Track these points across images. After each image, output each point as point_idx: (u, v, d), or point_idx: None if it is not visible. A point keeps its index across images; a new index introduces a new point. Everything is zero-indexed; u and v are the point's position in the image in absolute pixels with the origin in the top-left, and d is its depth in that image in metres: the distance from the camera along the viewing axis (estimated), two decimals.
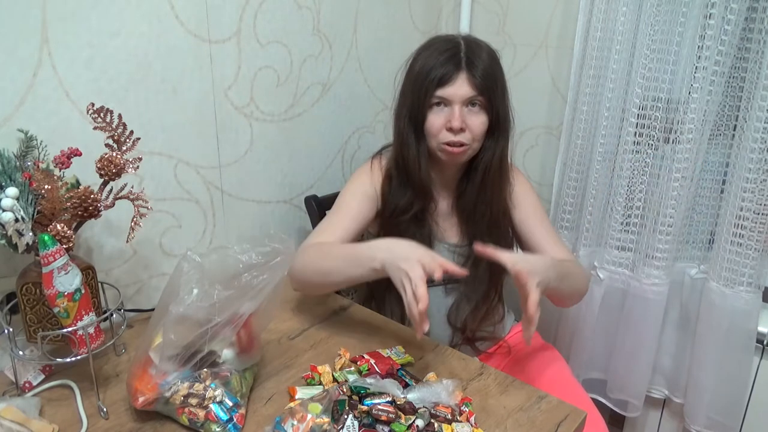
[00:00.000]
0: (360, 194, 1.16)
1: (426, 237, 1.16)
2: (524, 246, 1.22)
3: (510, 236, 1.21)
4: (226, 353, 0.85)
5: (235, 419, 0.80)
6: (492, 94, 1.07)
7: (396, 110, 1.14)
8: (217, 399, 0.79)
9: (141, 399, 0.80)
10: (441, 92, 1.06)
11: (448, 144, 1.08)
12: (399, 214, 1.14)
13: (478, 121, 1.07)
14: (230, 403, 0.80)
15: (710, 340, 1.30)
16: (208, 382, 0.80)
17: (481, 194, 1.15)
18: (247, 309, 0.82)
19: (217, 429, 0.79)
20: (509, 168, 1.18)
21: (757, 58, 1.15)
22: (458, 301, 1.21)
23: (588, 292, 1.42)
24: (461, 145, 1.08)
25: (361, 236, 1.20)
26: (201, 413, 0.79)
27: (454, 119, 1.05)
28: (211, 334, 0.80)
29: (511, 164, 1.19)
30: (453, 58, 1.06)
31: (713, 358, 1.30)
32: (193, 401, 0.79)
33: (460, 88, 1.05)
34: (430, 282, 1.20)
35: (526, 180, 1.26)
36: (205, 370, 0.82)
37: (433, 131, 1.09)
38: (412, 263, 0.90)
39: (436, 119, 1.08)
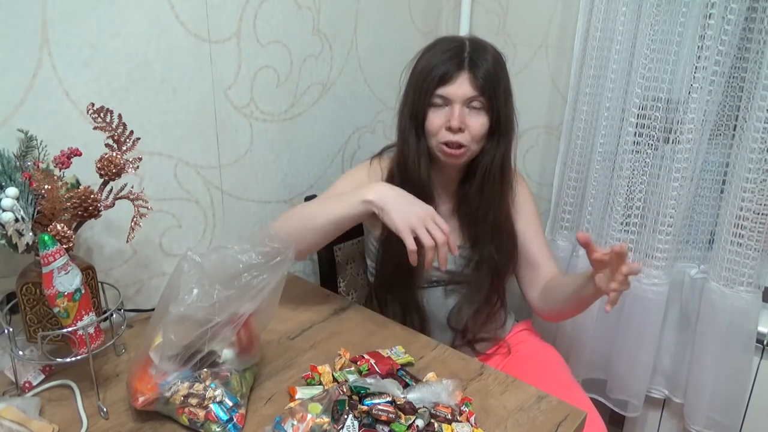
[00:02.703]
0: (355, 184, 1.15)
1: None
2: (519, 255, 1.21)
3: (514, 239, 1.21)
4: (226, 353, 0.85)
5: (235, 419, 0.80)
6: (493, 95, 1.06)
7: (399, 108, 1.14)
8: (217, 399, 0.79)
9: (141, 399, 0.80)
10: (442, 91, 1.06)
11: (447, 144, 1.08)
12: None
13: (478, 123, 1.07)
14: (230, 403, 0.80)
15: (710, 340, 1.30)
16: (208, 382, 0.80)
17: (482, 198, 1.14)
18: (247, 309, 0.82)
19: (217, 429, 0.79)
20: (512, 173, 1.18)
21: (757, 58, 1.15)
22: (459, 304, 1.21)
23: None
24: (460, 146, 1.07)
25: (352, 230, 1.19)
26: (201, 413, 0.79)
27: (453, 119, 1.05)
28: (211, 334, 0.80)
29: (515, 169, 1.19)
30: (456, 58, 1.05)
31: (713, 358, 1.30)
32: (193, 401, 0.79)
33: (460, 87, 1.05)
34: (430, 283, 1.21)
35: (527, 187, 1.27)
36: (205, 370, 0.82)
37: (433, 130, 1.08)
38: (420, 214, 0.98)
39: (436, 118, 1.07)
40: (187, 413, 0.79)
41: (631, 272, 0.90)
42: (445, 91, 1.06)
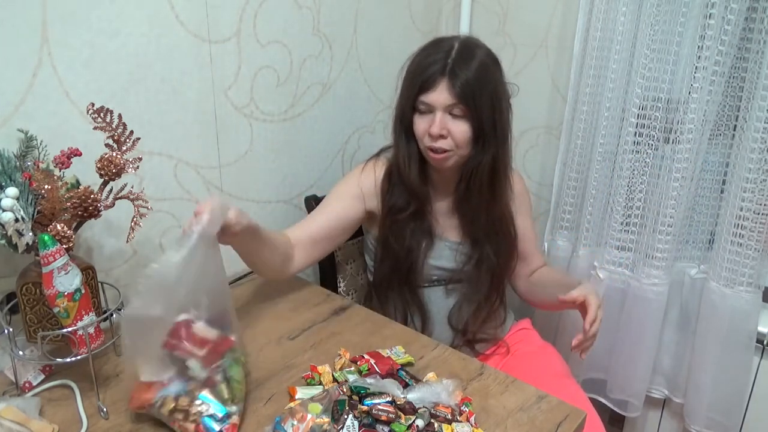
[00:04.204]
0: (342, 193, 1.17)
1: (426, 233, 1.17)
2: None
3: (513, 240, 1.21)
4: (193, 365, 0.80)
5: (225, 431, 0.78)
6: (472, 103, 1.04)
7: (394, 110, 1.15)
8: (205, 413, 0.77)
9: (136, 404, 0.79)
10: (423, 97, 1.06)
11: (431, 149, 1.08)
12: (397, 212, 1.15)
13: (459, 129, 1.06)
14: (220, 415, 0.77)
15: (710, 340, 1.30)
16: (196, 393, 0.78)
17: (477, 200, 1.15)
18: (170, 316, 0.78)
19: None
20: (507, 176, 1.17)
21: (757, 58, 1.15)
22: (459, 303, 1.21)
23: None
24: (444, 151, 1.08)
25: (351, 235, 1.21)
26: (191, 427, 0.77)
27: (434, 126, 1.05)
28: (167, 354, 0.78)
29: (513, 169, 1.20)
30: (438, 63, 1.05)
31: (713, 358, 1.30)
32: (179, 416, 0.77)
33: (440, 95, 1.05)
34: (430, 281, 1.22)
35: (524, 185, 1.28)
36: (192, 381, 0.79)
37: (418, 135, 1.10)
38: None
39: (420, 124, 1.08)
40: (178, 427, 0.78)
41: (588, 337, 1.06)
42: (427, 98, 1.06)
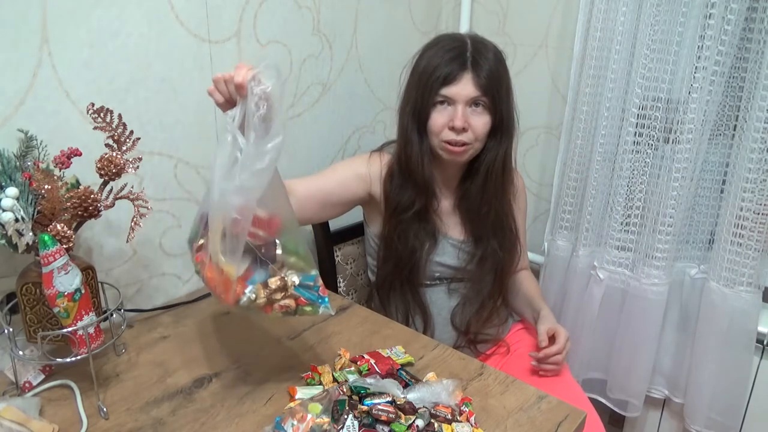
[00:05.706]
0: (349, 167, 1.17)
1: (430, 232, 1.17)
2: None
3: (516, 235, 1.22)
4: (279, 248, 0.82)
5: (320, 293, 0.81)
6: (496, 95, 1.07)
7: (400, 107, 1.15)
8: (297, 283, 0.80)
9: (231, 300, 0.78)
10: (445, 91, 1.06)
11: (450, 143, 1.08)
12: (401, 211, 1.14)
13: (481, 122, 1.07)
14: (308, 283, 0.81)
15: (710, 341, 1.30)
16: (281, 273, 0.81)
17: (484, 195, 1.15)
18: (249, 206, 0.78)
19: (310, 309, 0.81)
20: (513, 170, 1.19)
21: (757, 58, 1.15)
22: (462, 302, 1.22)
23: (588, 291, 1.43)
24: (463, 144, 1.08)
25: (340, 213, 1.20)
26: (292, 302, 0.80)
27: (457, 119, 1.05)
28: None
29: (514, 165, 1.20)
30: (459, 57, 1.06)
31: (713, 359, 1.30)
32: (278, 295, 0.79)
33: (464, 87, 1.05)
34: (432, 280, 1.22)
35: (523, 183, 1.29)
36: (271, 265, 0.81)
37: (436, 129, 1.09)
38: None
39: (439, 118, 1.08)
40: (277, 308, 0.80)
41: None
42: (449, 91, 1.06)
